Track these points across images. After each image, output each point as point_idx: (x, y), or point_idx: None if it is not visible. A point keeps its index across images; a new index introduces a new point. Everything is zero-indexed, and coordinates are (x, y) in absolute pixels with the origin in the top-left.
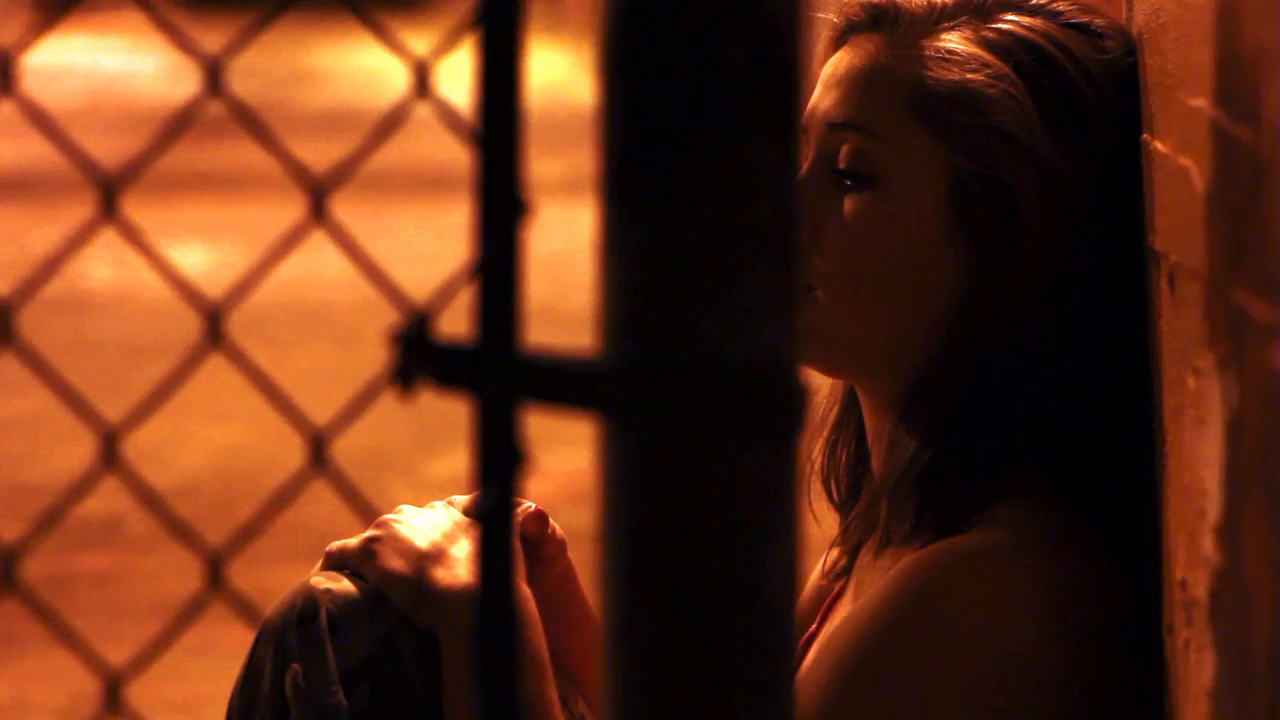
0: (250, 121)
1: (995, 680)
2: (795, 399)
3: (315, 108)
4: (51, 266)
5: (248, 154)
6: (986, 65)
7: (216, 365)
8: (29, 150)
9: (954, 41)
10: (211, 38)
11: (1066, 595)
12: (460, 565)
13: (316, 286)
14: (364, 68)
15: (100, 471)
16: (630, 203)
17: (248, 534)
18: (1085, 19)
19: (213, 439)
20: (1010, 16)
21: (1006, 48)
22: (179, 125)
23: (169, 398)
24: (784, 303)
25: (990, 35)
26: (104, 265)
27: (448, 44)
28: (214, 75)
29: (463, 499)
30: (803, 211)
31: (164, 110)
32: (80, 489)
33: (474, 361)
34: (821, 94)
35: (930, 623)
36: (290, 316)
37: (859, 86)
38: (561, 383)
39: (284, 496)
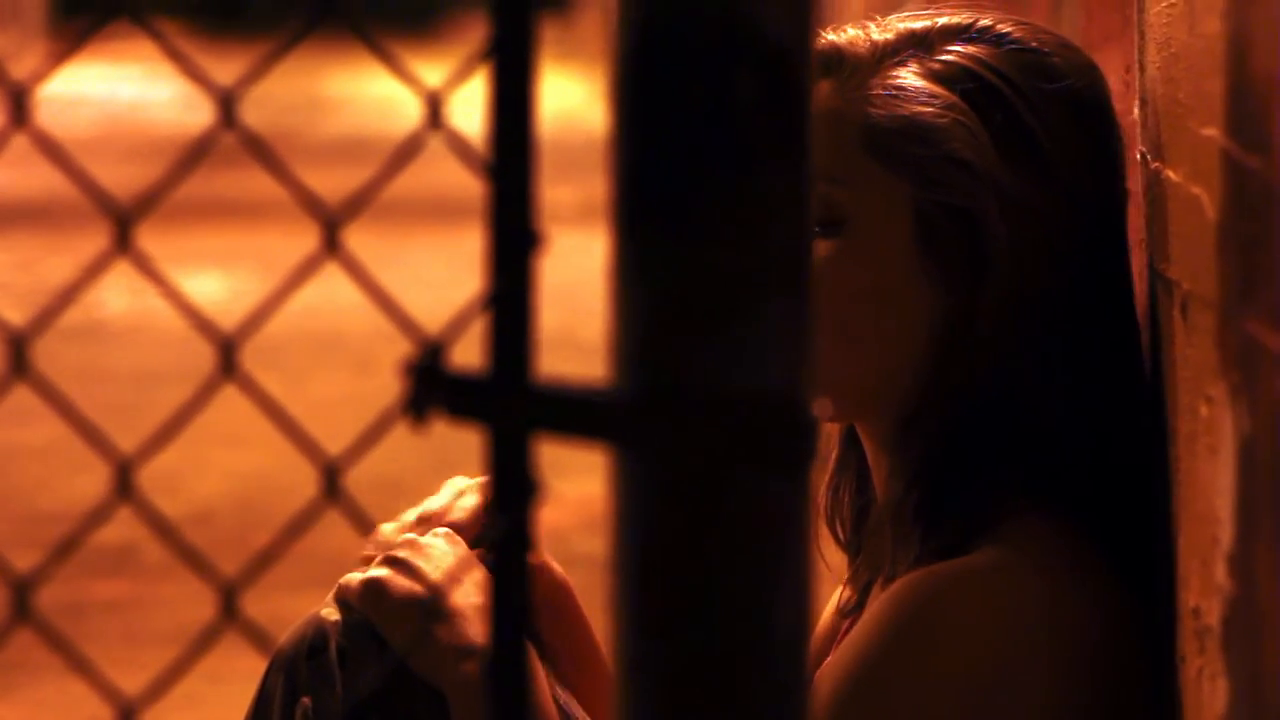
0: (263, 152)
1: (992, 698)
2: (807, 428)
3: (328, 136)
4: (66, 297)
5: (261, 182)
6: (935, 96)
7: (232, 392)
8: (45, 179)
9: (901, 77)
10: (224, 67)
11: (1066, 612)
12: (464, 615)
13: (330, 315)
14: (377, 96)
15: (114, 502)
16: (642, 232)
17: (261, 563)
18: (1033, 43)
19: (228, 466)
20: (954, 47)
21: (953, 77)
22: (193, 157)
23: (183, 428)
24: (796, 332)
25: (936, 67)
26: (118, 294)
27: (460, 75)
28: (227, 107)
29: (463, 492)
30: None
31: (179, 139)
32: (95, 519)
33: (487, 392)
34: None
35: (926, 639)
36: (304, 345)
37: (815, 132)
38: (574, 413)
39: (298, 526)
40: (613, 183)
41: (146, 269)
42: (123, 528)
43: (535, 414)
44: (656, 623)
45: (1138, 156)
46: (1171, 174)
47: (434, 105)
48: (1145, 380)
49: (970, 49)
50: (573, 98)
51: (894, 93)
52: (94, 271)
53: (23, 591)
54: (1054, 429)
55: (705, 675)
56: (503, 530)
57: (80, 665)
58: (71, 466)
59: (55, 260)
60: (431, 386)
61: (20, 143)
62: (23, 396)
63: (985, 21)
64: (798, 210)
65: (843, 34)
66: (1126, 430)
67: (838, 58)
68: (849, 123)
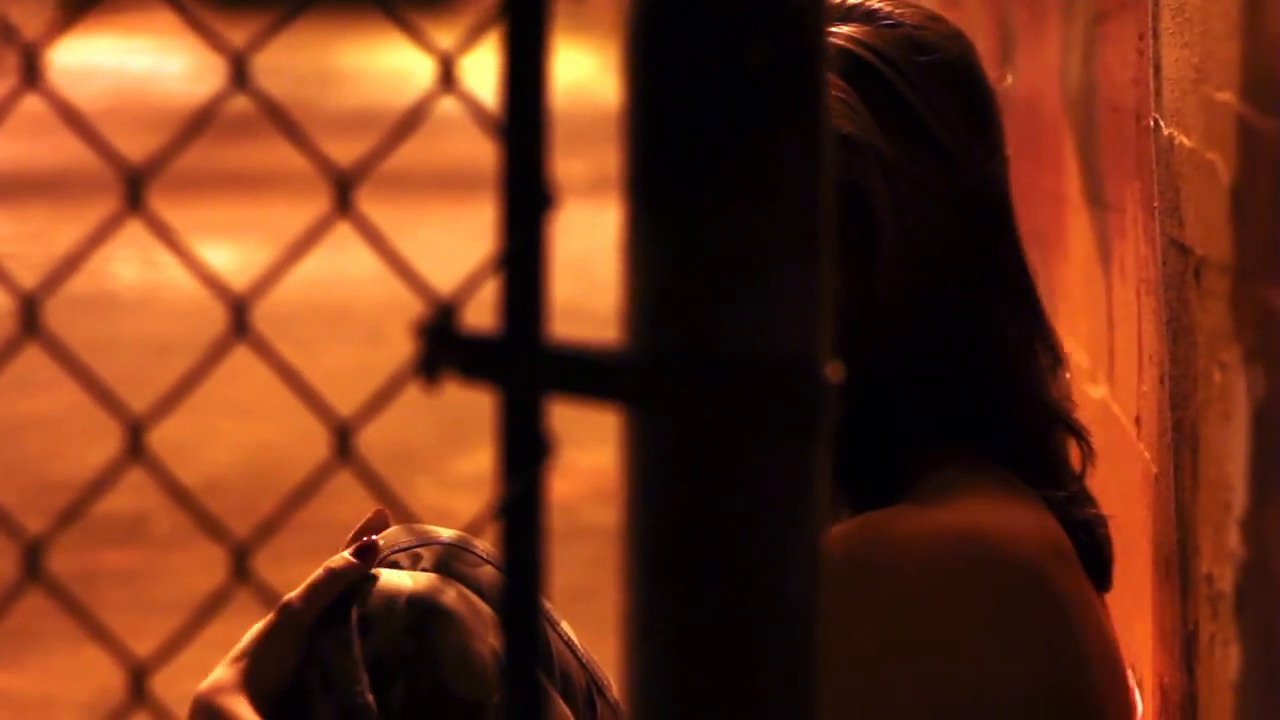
0: (276, 116)
1: (933, 628)
2: (822, 392)
3: (340, 107)
4: (77, 259)
5: (271, 153)
6: None
7: (242, 362)
8: (56, 150)
9: None
10: (238, 36)
11: (999, 541)
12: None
13: (341, 286)
14: (389, 68)
15: (126, 463)
16: (657, 196)
17: (271, 526)
18: (903, 18)
19: (239, 436)
20: (831, 28)
21: (830, 56)
22: (204, 120)
23: (194, 392)
24: (811, 296)
25: None
26: (129, 265)
27: (473, 37)
28: (240, 68)
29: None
30: None
31: (190, 110)
32: (105, 481)
33: (499, 353)
34: None
35: (859, 581)
36: (315, 316)
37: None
38: (587, 374)
39: (309, 487)
40: (627, 148)
41: (158, 229)
42: (133, 497)
43: (548, 374)
44: (667, 587)
45: (1151, 124)
46: (1185, 140)
47: (447, 66)
48: (1046, 331)
49: (845, 29)
50: (583, 71)
51: None
52: (106, 231)
53: (34, 554)
54: (959, 384)
55: (716, 640)
56: (515, 493)
57: (93, 628)
58: (81, 436)
59: (66, 230)
60: (443, 347)
61: (30, 114)
62: (33, 366)
63: (854, 0)
64: (813, 174)
65: None
66: (1031, 376)
67: None
68: None
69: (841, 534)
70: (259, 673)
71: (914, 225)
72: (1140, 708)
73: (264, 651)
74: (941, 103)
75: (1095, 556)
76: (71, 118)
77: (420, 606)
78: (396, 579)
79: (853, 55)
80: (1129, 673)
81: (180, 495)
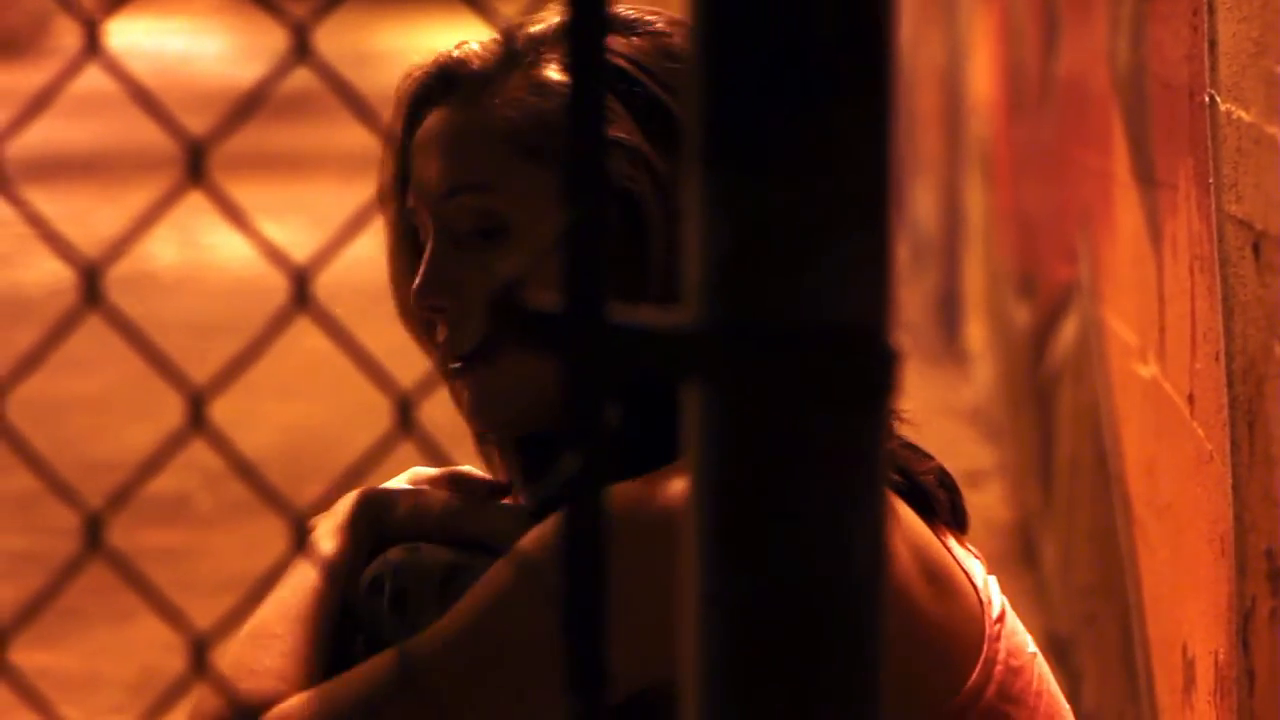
0: (337, 86)
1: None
2: (888, 361)
3: (378, 88)
4: (135, 234)
5: (311, 136)
6: None
7: (285, 343)
8: (93, 132)
9: (539, 77)
10: (273, 23)
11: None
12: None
13: (378, 267)
14: (427, 50)
15: (188, 435)
16: (721, 166)
17: (330, 500)
18: (658, 26)
19: (279, 418)
20: None
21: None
22: (263, 93)
23: (249, 367)
24: (876, 265)
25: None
26: (168, 245)
27: (533, 10)
28: (301, 40)
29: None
30: (445, 285)
31: (228, 92)
32: (164, 455)
33: (563, 326)
34: (422, 167)
35: (642, 543)
36: (356, 296)
37: (459, 148)
38: (652, 347)
39: (369, 459)
40: (690, 119)
41: (220, 200)
42: (176, 477)
43: (612, 348)
44: (732, 557)
45: (1205, 99)
46: (1244, 114)
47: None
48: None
49: None
50: None
51: (534, 90)
52: (166, 203)
53: (95, 528)
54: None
55: (780, 610)
56: (576, 467)
57: (153, 602)
58: (124, 417)
59: (105, 212)
60: (506, 320)
61: (67, 94)
62: (74, 346)
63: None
64: (878, 144)
65: (470, 48)
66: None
67: (463, 70)
68: (492, 129)
69: (622, 494)
70: (377, 504)
71: (680, 226)
72: (998, 608)
73: (407, 500)
74: None
75: (924, 498)
76: (135, 90)
77: (454, 584)
78: (434, 554)
79: (612, 64)
80: (984, 589)
81: (241, 468)
